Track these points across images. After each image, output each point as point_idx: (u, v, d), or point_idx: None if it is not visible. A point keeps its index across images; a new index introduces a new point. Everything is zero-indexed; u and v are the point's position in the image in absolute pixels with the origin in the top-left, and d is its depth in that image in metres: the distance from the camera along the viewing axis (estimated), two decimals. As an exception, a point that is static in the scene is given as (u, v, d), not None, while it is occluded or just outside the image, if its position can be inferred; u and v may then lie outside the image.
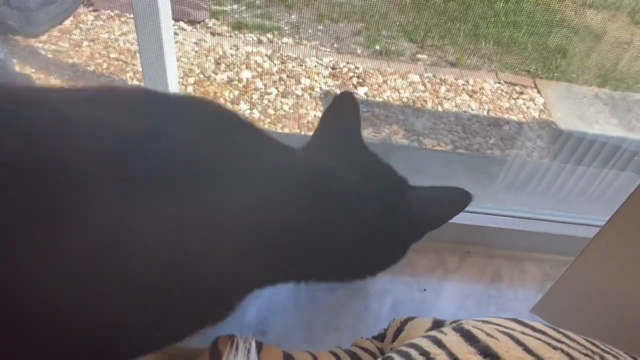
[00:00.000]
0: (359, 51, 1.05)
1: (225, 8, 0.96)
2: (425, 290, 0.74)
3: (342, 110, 0.58)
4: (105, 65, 1.08)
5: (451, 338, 0.33)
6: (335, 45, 1.04)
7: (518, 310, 0.72)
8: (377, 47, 1.05)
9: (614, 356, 0.34)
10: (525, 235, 0.77)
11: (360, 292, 0.69)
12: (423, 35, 1.02)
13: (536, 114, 1.03)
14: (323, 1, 0.98)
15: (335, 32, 1.05)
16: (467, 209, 0.61)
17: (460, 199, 0.53)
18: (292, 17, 1.02)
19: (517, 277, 0.79)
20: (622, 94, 0.97)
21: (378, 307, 0.66)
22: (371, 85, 1.10)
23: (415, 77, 1.20)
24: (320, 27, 1.04)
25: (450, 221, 0.64)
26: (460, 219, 0.68)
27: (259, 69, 1.07)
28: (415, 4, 0.94)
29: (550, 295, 0.68)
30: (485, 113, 1.14)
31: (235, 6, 0.98)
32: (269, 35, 0.99)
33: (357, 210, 0.50)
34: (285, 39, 1.01)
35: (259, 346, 0.47)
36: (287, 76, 1.08)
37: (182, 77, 1.05)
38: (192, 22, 1.05)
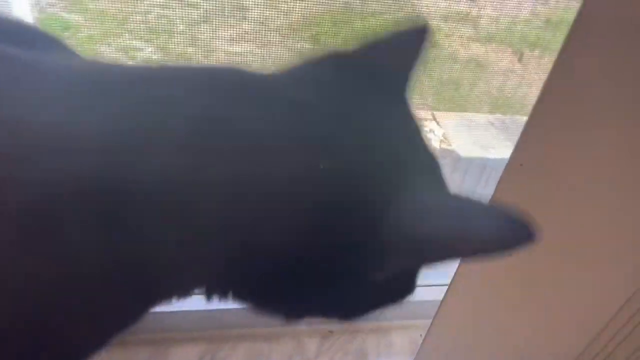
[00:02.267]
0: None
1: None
2: (277, 388, 0.64)
3: (401, 43, 0.40)
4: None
5: None
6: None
7: (385, 393, 0.66)
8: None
9: None
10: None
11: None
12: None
13: (437, 145, 1.05)
14: (223, 52, 0.95)
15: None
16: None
17: (514, 236, 0.31)
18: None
19: (384, 352, 0.69)
20: (512, 117, 1.02)
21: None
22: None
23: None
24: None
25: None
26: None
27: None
28: (314, 50, 0.94)
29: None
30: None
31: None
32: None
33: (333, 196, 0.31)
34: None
35: None
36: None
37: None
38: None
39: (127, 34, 0.83)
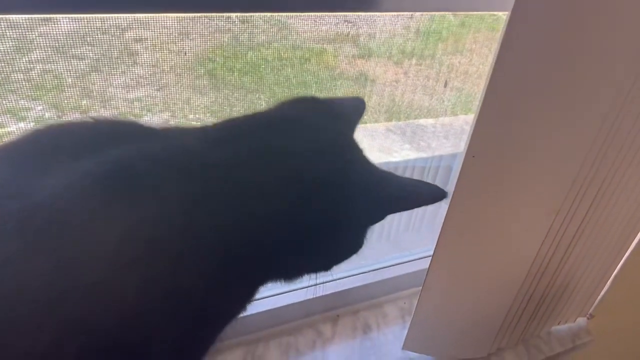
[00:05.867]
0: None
1: None
2: (310, 366, 0.73)
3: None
4: None
5: None
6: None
7: (393, 352, 0.73)
8: (189, 131, 0.98)
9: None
10: (380, 283, 0.80)
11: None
12: (229, 111, 0.99)
13: (346, 156, 1.06)
14: (121, 100, 0.89)
15: (141, 127, 0.95)
16: (335, 275, 0.59)
17: (433, 192, 0.50)
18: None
19: (382, 322, 0.82)
20: (406, 122, 1.05)
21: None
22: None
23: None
24: (125, 126, 0.94)
25: (322, 294, 0.61)
26: (330, 288, 0.66)
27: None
28: (213, 85, 0.91)
29: (413, 328, 0.69)
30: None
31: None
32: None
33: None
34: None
35: None
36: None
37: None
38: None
39: (11, 95, 0.75)
